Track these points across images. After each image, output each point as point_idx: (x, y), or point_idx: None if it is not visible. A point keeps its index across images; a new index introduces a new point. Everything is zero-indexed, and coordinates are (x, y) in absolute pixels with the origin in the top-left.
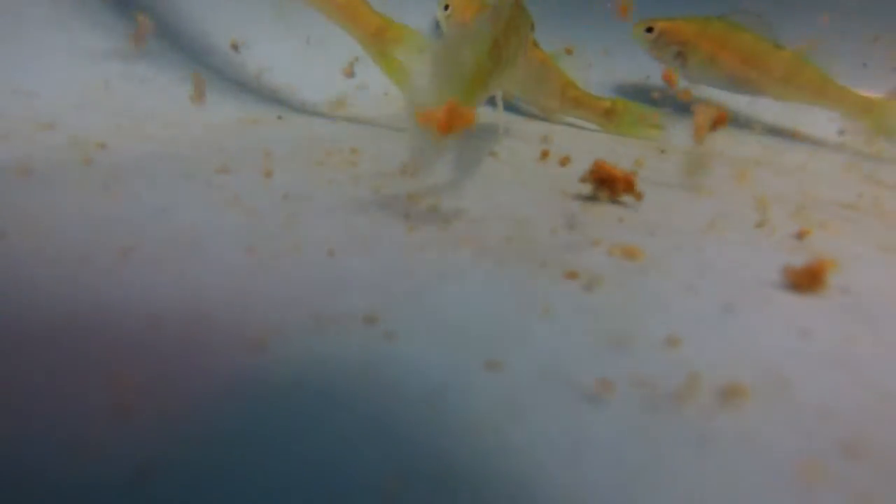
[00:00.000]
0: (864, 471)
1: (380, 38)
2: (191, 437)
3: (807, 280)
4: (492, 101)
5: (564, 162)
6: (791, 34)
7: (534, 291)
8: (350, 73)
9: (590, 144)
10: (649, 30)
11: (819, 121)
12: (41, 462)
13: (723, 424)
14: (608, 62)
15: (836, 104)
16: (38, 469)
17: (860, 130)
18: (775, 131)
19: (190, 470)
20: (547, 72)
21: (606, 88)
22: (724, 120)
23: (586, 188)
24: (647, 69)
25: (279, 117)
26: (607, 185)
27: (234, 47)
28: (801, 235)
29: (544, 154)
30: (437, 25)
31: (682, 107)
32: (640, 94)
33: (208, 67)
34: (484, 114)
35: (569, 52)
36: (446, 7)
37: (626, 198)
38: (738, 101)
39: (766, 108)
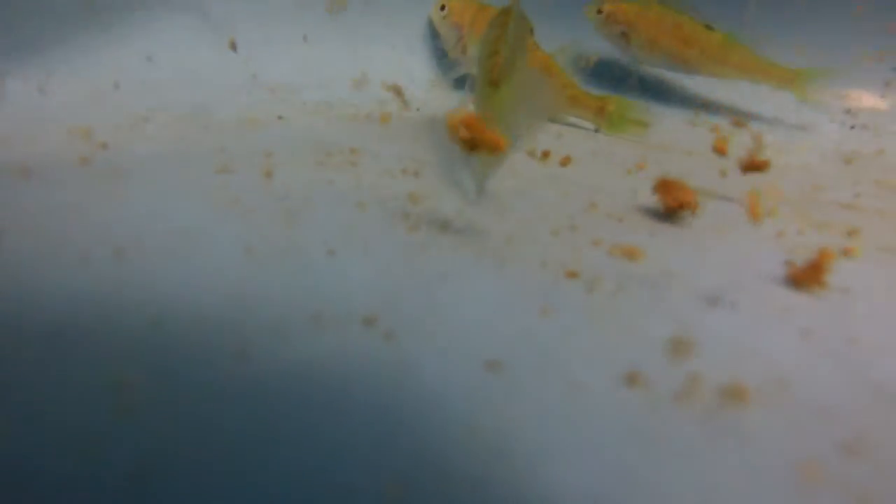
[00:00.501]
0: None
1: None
2: (190, 437)
3: (809, 275)
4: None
5: (565, 162)
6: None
7: (534, 291)
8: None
9: (590, 144)
10: (599, 11)
11: (819, 121)
12: (41, 462)
13: (723, 424)
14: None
15: (766, 77)
16: (38, 469)
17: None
18: (775, 131)
19: (190, 471)
20: (549, 73)
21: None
22: (765, 165)
23: (651, 199)
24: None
25: (279, 117)
26: (673, 200)
27: (232, 47)
28: (812, 240)
29: (545, 154)
30: (430, 24)
31: (665, 97)
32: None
33: (208, 67)
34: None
35: (567, 51)
36: (443, 7)
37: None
38: (741, 102)
39: (766, 108)
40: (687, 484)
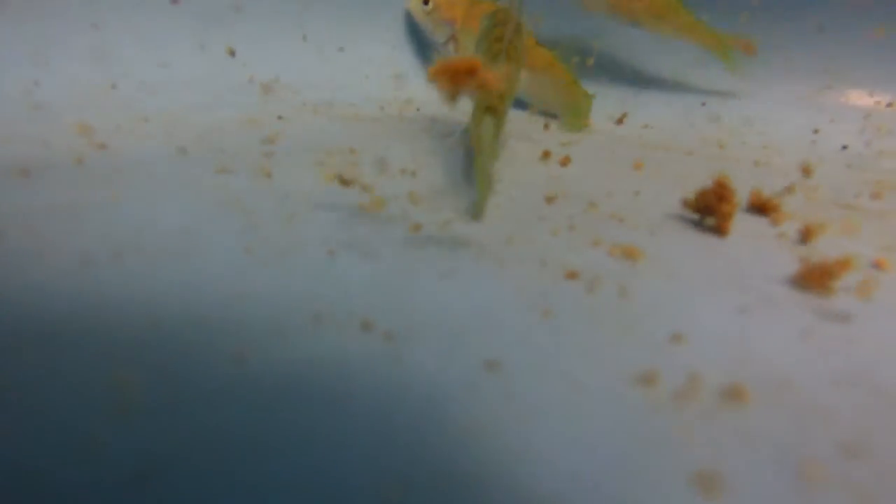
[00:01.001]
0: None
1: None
2: (190, 438)
3: (817, 278)
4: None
5: (565, 162)
6: None
7: (534, 292)
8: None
9: (591, 144)
10: (426, 2)
11: (819, 121)
12: (41, 462)
13: (723, 424)
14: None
15: (700, 40)
16: (39, 469)
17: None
18: (775, 131)
19: (190, 471)
20: (553, 72)
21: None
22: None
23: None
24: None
25: (279, 117)
26: (715, 206)
27: (231, 53)
28: (805, 236)
29: (545, 155)
30: (409, 16)
31: (665, 97)
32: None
33: (207, 67)
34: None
35: (565, 49)
36: (426, 2)
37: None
38: (742, 102)
39: (766, 108)
40: (687, 484)
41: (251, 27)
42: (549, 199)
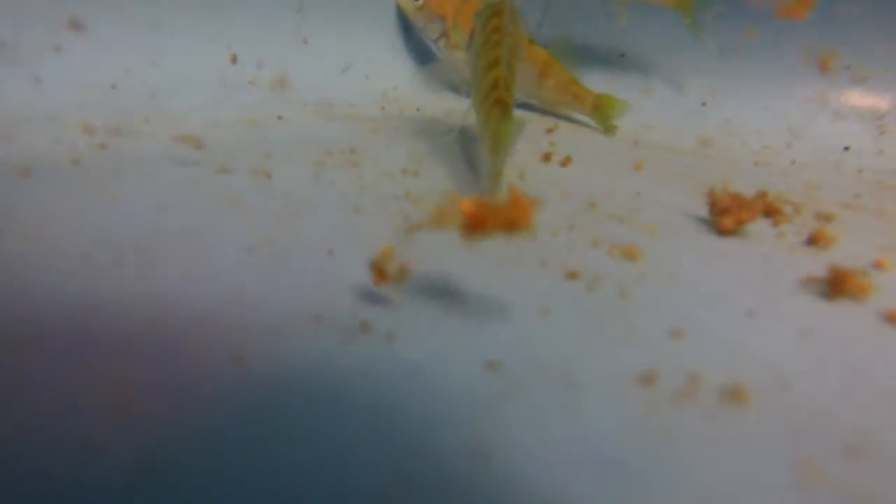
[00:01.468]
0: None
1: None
2: (190, 438)
3: (836, 287)
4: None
5: (565, 162)
6: None
7: (534, 292)
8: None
9: (591, 144)
10: None
11: (820, 121)
12: (41, 462)
13: (723, 424)
14: None
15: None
16: (39, 469)
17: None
18: (775, 131)
19: (190, 472)
20: (553, 69)
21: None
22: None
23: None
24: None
25: (279, 117)
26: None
27: (233, 60)
28: (812, 239)
29: (546, 157)
30: (399, 11)
31: (666, 96)
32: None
33: (207, 67)
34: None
35: (561, 44)
36: None
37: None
38: (742, 103)
39: (767, 109)
40: (686, 483)
41: (252, 27)
42: (549, 199)
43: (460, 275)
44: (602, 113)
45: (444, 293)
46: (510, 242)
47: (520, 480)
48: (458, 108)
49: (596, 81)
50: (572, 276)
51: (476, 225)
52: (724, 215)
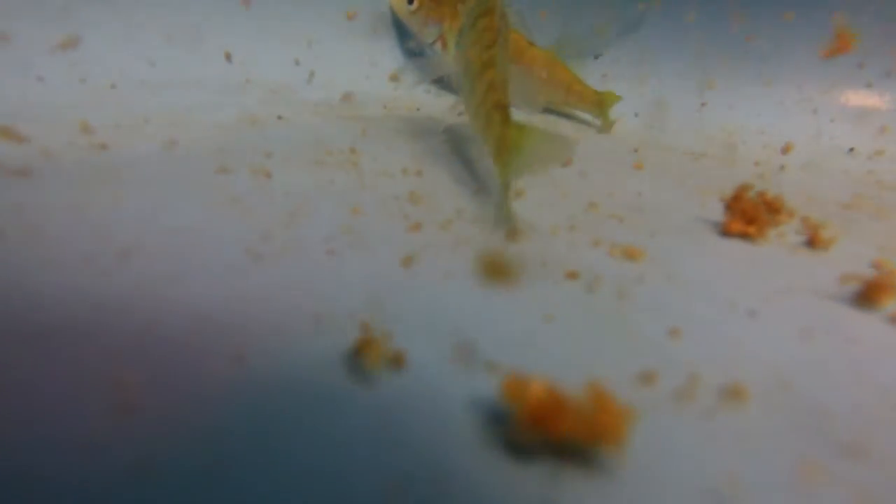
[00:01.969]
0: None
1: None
2: (190, 438)
3: (866, 297)
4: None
5: (566, 162)
6: None
7: (534, 292)
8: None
9: (591, 144)
10: (410, 1)
11: (820, 121)
12: (41, 462)
13: (723, 424)
14: None
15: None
16: (38, 469)
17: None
18: (775, 131)
19: (190, 472)
20: (556, 69)
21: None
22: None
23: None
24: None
25: (279, 117)
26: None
27: (227, 58)
28: (812, 240)
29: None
30: (392, 13)
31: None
32: None
33: (207, 67)
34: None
35: (565, 47)
36: (410, 1)
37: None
38: (741, 103)
39: (766, 109)
40: (686, 484)
41: (252, 27)
42: (549, 199)
43: (460, 274)
44: (605, 110)
45: (444, 293)
46: (510, 242)
47: (519, 480)
48: (459, 110)
49: (596, 82)
50: (572, 276)
51: (544, 419)
52: (742, 220)
